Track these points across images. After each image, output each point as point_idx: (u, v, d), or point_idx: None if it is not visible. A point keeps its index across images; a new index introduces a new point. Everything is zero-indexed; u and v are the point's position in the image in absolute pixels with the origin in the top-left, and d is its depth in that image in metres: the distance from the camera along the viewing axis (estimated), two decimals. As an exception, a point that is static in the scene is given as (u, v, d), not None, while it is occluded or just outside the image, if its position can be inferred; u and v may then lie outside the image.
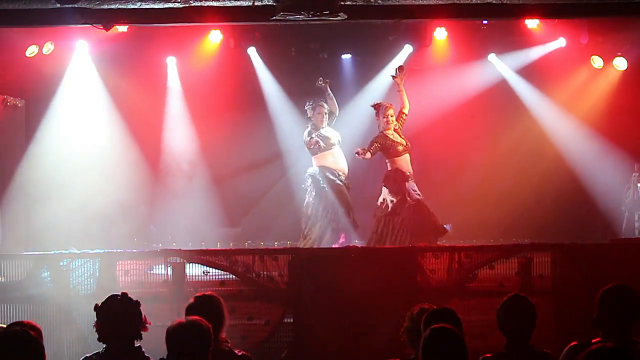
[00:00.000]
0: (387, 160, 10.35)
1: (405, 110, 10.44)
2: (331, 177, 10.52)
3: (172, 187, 12.47)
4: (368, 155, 10.14)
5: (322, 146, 10.46)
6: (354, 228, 10.54)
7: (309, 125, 10.64)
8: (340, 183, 10.55)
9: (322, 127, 10.60)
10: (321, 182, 10.52)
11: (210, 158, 12.52)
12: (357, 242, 10.43)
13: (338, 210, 10.46)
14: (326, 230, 10.45)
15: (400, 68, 10.50)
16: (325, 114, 10.61)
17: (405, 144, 10.31)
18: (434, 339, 3.90)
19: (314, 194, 10.54)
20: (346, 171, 10.66)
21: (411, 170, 10.35)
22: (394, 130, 10.32)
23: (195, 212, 12.32)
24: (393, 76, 10.46)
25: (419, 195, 10.24)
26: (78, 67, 11.97)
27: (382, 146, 10.25)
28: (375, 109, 10.46)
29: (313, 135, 10.48)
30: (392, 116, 10.33)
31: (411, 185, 10.26)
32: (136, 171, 12.12)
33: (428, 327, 4.00)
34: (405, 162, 10.32)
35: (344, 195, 10.52)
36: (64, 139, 11.85)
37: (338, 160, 10.62)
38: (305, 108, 10.71)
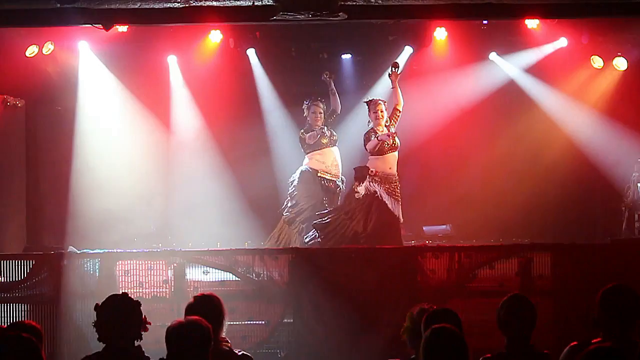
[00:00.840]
0: (369, 157, 10.35)
1: (399, 107, 10.41)
2: (315, 179, 10.52)
3: (173, 186, 12.47)
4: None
5: (324, 142, 10.51)
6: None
7: (306, 125, 10.68)
8: (321, 186, 10.54)
9: (317, 127, 10.59)
10: (299, 181, 10.55)
11: (210, 158, 12.51)
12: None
13: (309, 211, 10.47)
14: (296, 227, 10.49)
15: (395, 64, 10.48)
16: (321, 113, 10.60)
17: (392, 142, 10.26)
18: (435, 339, 3.90)
19: (294, 191, 10.62)
20: (335, 171, 10.61)
21: (389, 171, 10.26)
22: (385, 126, 10.32)
23: (196, 211, 12.32)
24: (390, 74, 10.47)
25: (385, 196, 10.18)
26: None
27: (366, 139, 10.26)
28: (367, 105, 10.49)
29: (313, 132, 10.50)
30: (382, 112, 10.31)
31: (372, 184, 10.19)
32: (143, 171, 12.15)
33: (428, 328, 4.00)
34: (383, 162, 10.24)
35: (320, 198, 10.53)
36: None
37: (326, 161, 10.58)
38: (303, 107, 10.74)
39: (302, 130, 10.72)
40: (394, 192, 10.16)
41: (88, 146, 11.98)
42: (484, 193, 12.31)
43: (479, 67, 12.49)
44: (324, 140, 10.59)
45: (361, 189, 10.15)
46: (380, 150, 10.20)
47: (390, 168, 10.24)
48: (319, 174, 10.59)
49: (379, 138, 10.09)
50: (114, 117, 12.21)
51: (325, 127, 10.65)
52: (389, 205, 10.08)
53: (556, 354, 4.59)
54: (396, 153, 10.28)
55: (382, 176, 10.14)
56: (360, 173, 10.24)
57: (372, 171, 10.17)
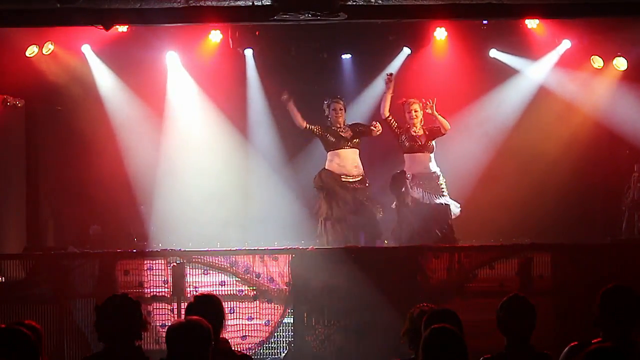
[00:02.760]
0: (403, 155, 10.46)
1: (443, 132, 10.41)
2: (333, 183, 10.43)
3: (173, 186, 12.46)
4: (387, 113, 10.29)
5: (342, 142, 10.41)
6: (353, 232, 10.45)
7: (328, 123, 10.56)
8: (343, 188, 10.43)
9: (339, 124, 10.43)
10: (322, 186, 10.48)
11: (209, 158, 12.50)
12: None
13: (333, 216, 10.40)
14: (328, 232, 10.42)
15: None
16: (341, 110, 10.44)
17: (423, 142, 10.27)
18: (434, 339, 3.90)
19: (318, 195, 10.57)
20: (355, 173, 10.44)
21: (424, 170, 10.29)
22: (422, 127, 10.31)
23: (196, 212, 12.31)
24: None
25: (422, 198, 10.19)
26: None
27: (398, 131, 10.32)
28: (402, 104, 10.46)
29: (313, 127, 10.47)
30: (416, 112, 10.32)
31: (413, 189, 10.21)
32: (140, 171, 12.18)
33: (428, 328, 3.99)
34: (417, 161, 10.32)
35: (343, 201, 10.44)
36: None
37: (346, 164, 10.44)
38: (323, 107, 10.65)
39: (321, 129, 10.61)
40: (438, 189, 10.26)
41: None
42: (484, 193, 12.28)
43: (478, 67, 12.48)
44: (343, 140, 10.44)
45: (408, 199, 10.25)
46: (406, 149, 10.27)
47: (426, 167, 10.28)
48: (342, 178, 10.42)
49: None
50: (118, 118, 12.26)
51: (349, 127, 10.49)
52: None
53: (556, 354, 4.59)
54: (422, 154, 10.31)
55: (421, 177, 10.21)
56: (398, 180, 10.19)
57: (408, 175, 10.18)
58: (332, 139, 10.43)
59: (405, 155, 10.38)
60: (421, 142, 10.28)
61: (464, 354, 3.90)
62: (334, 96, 10.65)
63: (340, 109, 10.49)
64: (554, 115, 12.43)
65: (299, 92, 11.53)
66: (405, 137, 10.31)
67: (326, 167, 10.50)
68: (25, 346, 3.98)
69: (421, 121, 10.34)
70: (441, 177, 10.39)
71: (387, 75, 10.57)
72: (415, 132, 10.29)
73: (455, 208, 10.43)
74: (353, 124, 10.57)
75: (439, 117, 10.31)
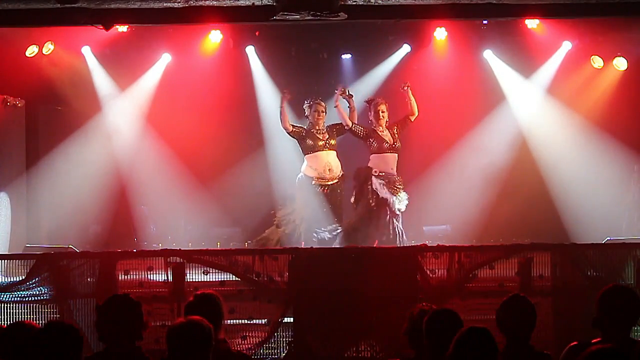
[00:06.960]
0: (370, 156, 10.45)
1: (412, 118, 10.50)
2: (310, 187, 10.50)
3: (171, 186, 12.47)
4: (349, 123, 10.30)
5: (320, 144, 10.43)
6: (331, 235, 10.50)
7: (308, 124, 10.61)
8: (321, 192, 10.47)
9: (319, 126, 10.51)
10: (296, 188, 10.56)
11: (210, 157, 12.51)
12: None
13: (311, 221, 10.44)
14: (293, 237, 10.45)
15: (404, 82, 10.60)
16: (323, 112, 10.51)
17: (392, 143, 10.34)
18: (470, 340, 3.87)
19: (294, 197, 10.58)
20: (330, 175, 10.49)
21: (390, 170, 10.38)
22: (386, 127, 10.38)
23: (195, 212, 12.32)
24: (403, 89, 10.53)
25: (389, 200, 10.28)
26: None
27: (365, 135, 10.34)
28: (367, 104, 10.52)
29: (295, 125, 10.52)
30: (383, 112, 10.40)
31: (379, 184, 10.27)
32: (139, 171, 12.17)
33: (431, 328, 3.99)
34: (384, 161, 10.38)
35: (315, 206, 10.47)
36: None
37: (318, 167, 10.50)
38: (303, 107, 10.68)
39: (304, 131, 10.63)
40: (397, 190, 10.30)
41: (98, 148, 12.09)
42: (484, 193, 12.30)
43: (478, 66, 12.49)
44: (320, 143, 10.51)
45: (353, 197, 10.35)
46: (377, 149, 10.31)
47: (392, 168, 10.35)
48: (313, 182, 10.52)
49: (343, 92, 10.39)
50: (119, 119, 12.27)
51: (326, 129, 10.57)
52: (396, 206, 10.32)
53: (556, 354, 4.59)
54: (392, 155, 10.36)
55: (386, 177, 10.25)
56: (364, 173, 10.30)
57: (375, 171, 10.25)
58: (310, 142, 10.47)
59: (372, 155, 10.43)
60: (390, 143, 10.34)
61: (496, 356, 3.88)
62: (316, 97, 10.65)
63: (322, 112, 10.52)
64: (554, 116, 12.44)
65: (299, 92, 11.55)
66: (373, 138, 10.36)
67: (303, 172, 10.53)
68: (74, 343, 4.01)
69: (386, 122, 10.40)
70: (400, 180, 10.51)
71: (339, 90, 10.57)
72: (381, 131, 10.35)
73: (401, 204, 10.43)
74: (329, 125, 10.60)
75: (412, 99, 10.43)
